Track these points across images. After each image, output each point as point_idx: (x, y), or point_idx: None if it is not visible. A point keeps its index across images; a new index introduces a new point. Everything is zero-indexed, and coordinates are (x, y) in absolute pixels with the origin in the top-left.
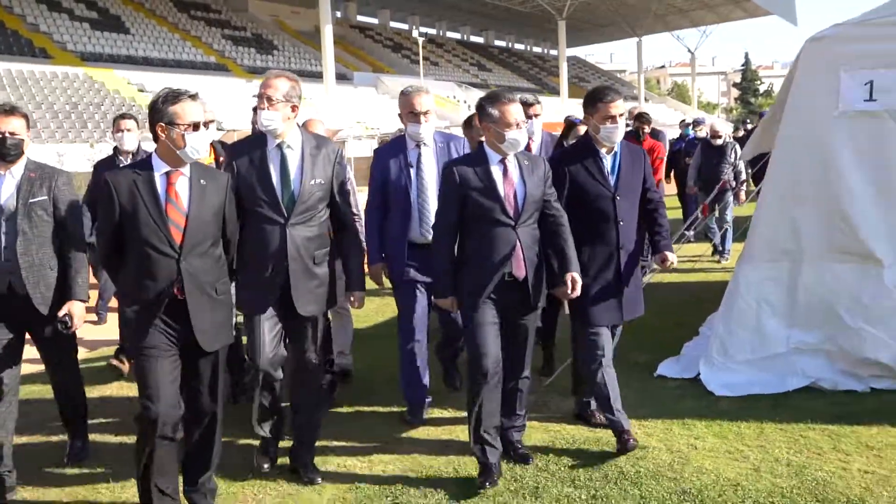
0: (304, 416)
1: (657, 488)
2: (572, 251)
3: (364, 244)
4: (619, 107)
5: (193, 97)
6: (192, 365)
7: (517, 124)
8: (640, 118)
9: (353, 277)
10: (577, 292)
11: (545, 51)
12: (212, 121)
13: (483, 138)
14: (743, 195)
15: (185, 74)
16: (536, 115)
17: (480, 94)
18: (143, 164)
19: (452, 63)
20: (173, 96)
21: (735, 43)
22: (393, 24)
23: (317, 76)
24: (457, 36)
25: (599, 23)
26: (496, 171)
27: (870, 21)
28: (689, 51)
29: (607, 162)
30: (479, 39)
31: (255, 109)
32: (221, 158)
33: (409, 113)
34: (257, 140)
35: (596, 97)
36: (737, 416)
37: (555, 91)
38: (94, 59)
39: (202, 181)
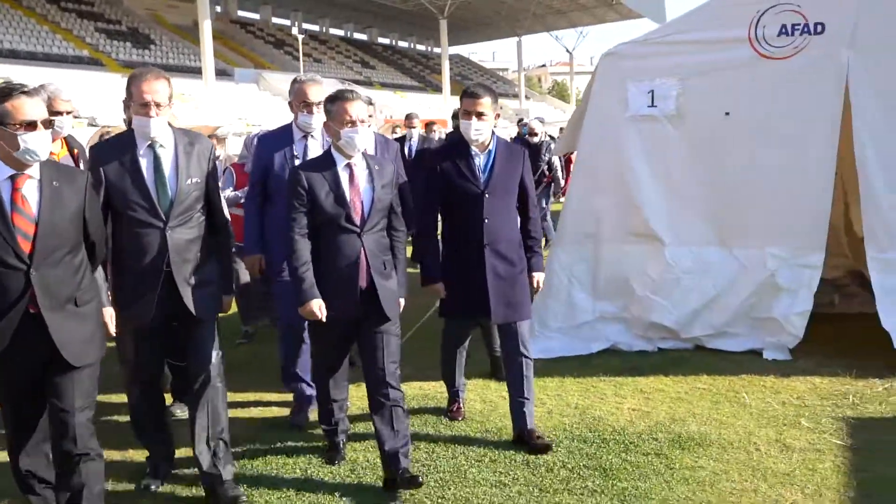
0: (203, 413)
1: (467, 429)
2: (402, 273)
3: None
4: (482, 104)
5: (29, 93)
6: (59, 381)
7: (355, 122)
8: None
9: (228, 280)
10: (399, 310)
11: (429, 49)
12: (68, 112)
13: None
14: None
15: (56, 68)
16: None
17: (363, 91)
18: None
19: (336, 60)
20: (5, 92)
21: (611, 43)
22: (275, 20)
23: (196, 72)
24: (340, 33)
25: (481, 22)
26: (343, 176)
27: (650, 40)
28: (568, 50)
29: (480, 160)
30: (363, 37)
31: (127, 105)
32: (76, 151)
33: (302, 102)
34: (124, 140)
35: (462, 95)
36: (544, 374)
37: (438, 89)
38: None
39: (55, 183)
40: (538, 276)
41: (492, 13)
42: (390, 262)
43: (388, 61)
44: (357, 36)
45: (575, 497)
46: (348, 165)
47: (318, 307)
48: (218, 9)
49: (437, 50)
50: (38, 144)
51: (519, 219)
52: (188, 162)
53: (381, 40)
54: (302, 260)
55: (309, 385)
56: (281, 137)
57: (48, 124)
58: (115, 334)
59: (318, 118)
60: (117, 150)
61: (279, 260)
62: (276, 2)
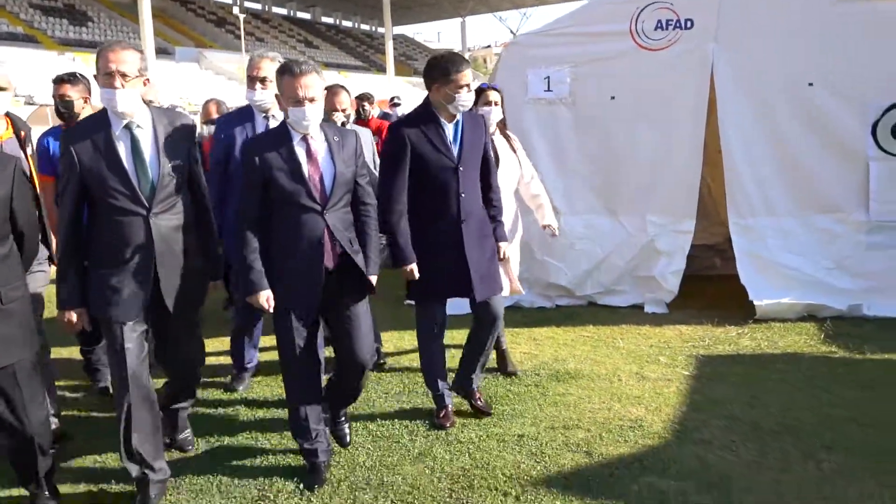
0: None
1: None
2: (374, 250)
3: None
4: (470, 76)
5: None
6: None
7: (302, 100)
8: (362, 98)
9: (216, 266)
10: (374, 290)
11: (373, 28)
12: (2, 89)
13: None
14: None
15: None
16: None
17: None
18: None
19: (279, 39)
20: None
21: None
22: None
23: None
24: (283, 11)
25: (425, 2)
26: (299, 151)
27: (546, 31)
28: (512, 32)
29: (449, 131)
30: (307, 16)
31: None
32: (24, 133)
33: (248, 77)
34: (98, 121)
35: (447, 67)
36: (458, 326)
37: (382, 69)
38: None
39: None
40: (504, 246)
41: None
42: (355, 239)
43: (332, 41)
44: (300, 15)
45: (461, 419)
46: (304, 139)
47: (266, 298)
48: None
49: (381, 30)
50: None
51: (510, 203)
52: (169, 143)
53: (325, 19)
54: (251, 247)
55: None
56: (240, 117)
57: None
58: (75, 331)
59: (266, 94)
60: (90, 131)
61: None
62: None
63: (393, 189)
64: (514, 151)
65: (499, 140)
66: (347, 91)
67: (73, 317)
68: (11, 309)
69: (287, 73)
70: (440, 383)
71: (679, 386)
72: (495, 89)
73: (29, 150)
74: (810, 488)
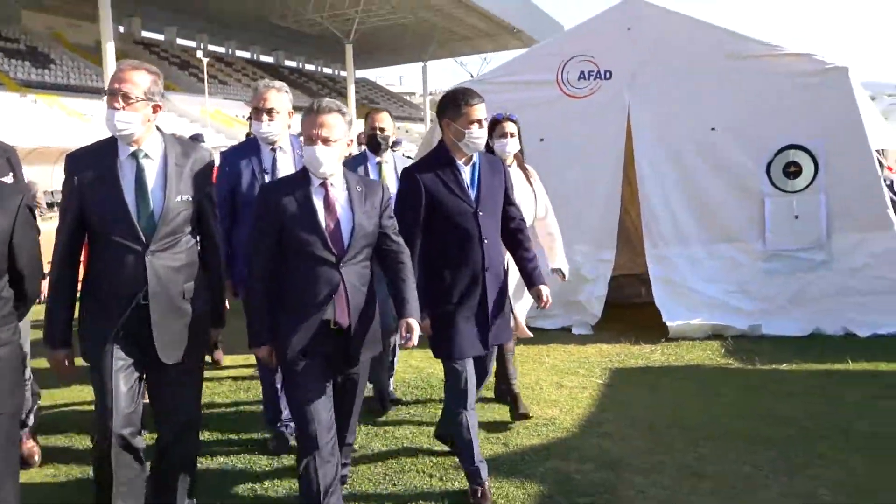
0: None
1: None
2: (411, 293)
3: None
4: (483, 110)
5: None
6: None
7: (314, 137)
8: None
9: (219, 313)
10: (413, 342)
11: (335, 72)
12: None
13: None
14: None
15: None
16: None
17: None
18: None
19: (241, 82)
20: None
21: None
22: (180, 41)
23: (98, 92)
24: (246, 55)
25: (386, 47)
26: (317, 198)
27: (485, 80)
28: (472, 76)
29: (466, 174)
30: (270, 59)
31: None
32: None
33: (253, 108)
34: (105, 148)
35: (458, 100)
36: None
37: None
38: None
39: None
40: (545, 290)
41: (397, 39)
42: (374, 296)
43: (295, 84)
44: (263, 58)
45: (405, 424)
46: (323, 185)
47: (269, 353)
48: (122, 29)
49: (343, 73)
50: None
51: (511, 235)
52: (179, 175)
53: (288, 63)
54: (257, 298)
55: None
56: (246, 150)
57: None
58: (63, 375)
59: (274, 126)
60: (96, 157)
61: (244, 287)
62: (181, 23)
63: (405, 237)
64: (531, 185)
65: (515, 173)
66: (390, 114)
67: (60, 357)
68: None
69: (306, 110)
70: (475, 451)
71: (592, 392)
72: (512, 120)
73: (7, 179)
74: (688, 467)
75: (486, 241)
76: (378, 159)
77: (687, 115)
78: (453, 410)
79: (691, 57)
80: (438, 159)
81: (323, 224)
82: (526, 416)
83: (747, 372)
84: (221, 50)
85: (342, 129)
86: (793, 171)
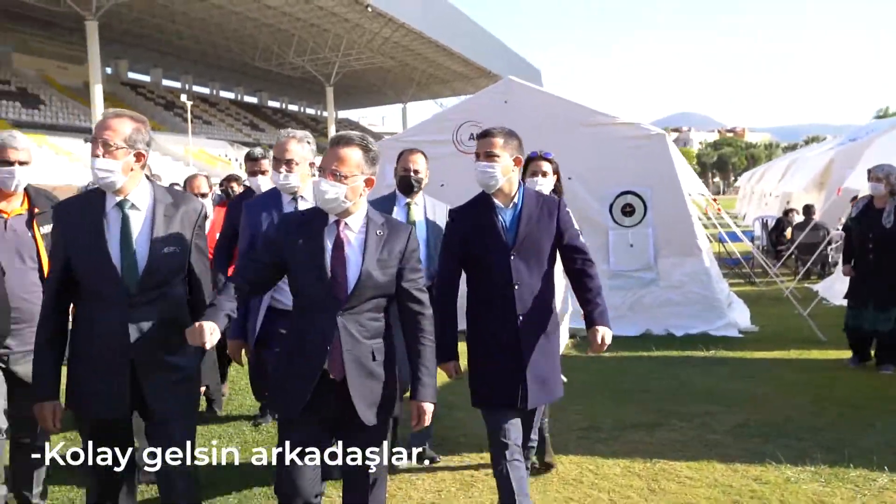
0: None
1: None
2: (427, 370)
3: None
4: (486, 143)
5: None
6: None
7: (324, 171)
8: (230, 179)
9: (206, 369)
10: (424, 423)
11: (318, 112)
12: (22, 163)
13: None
14: None
15: None
16: (264, 172)
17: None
18: None
19: (225, 122)
20: None
21: None
22: (165, 83)
23: (86, 132)
24: (230, 95)
25: (367, 89)
26: (326, 236)
27: (399, 139)
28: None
29: (506, 215)
30: (253, 100)
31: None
32: (37, 210)
33: (274, 159)
34: (93, 198)
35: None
36: None
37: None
38: None
39: None
40: (603, 331)
41: (377, 81)
42: (382, 351)
43: (278, 124)
44: (247, 99)
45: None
46: (337, 223)
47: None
48: (109, 70)
49: (325, 114)
50: None
51: (559, 280)
52: (167, 227)
53: (272, 103)
54: (230, 293)
55: None
56: (266, 202)
57: None
58: (52, 432)
59: (293, 178)
60: (82, 208)
61: (271, 333)
62: (166, 65)
63: (440, 280)
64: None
65: None
66: (424, 154)
67: (46, 410)
68: None
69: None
70: None
71: None
72: (546, 159)
73: (46, 228)
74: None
75: (517, 287)
76: (407, 200)
77: None
78: (494, 459)
79: (553, 123)
80: (478, 200)
81: (328, 267)
82: (551, 467)
83: (592, 360)
84: (206, 91)
85: (355, 166)
86: (628, 210)
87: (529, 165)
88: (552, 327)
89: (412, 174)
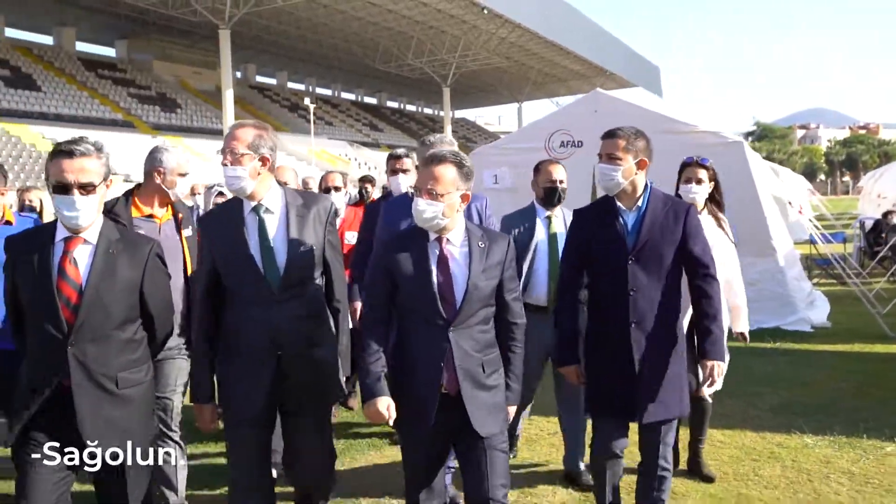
0: None
1: None
2: (514, 378)
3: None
4: (614, 144)
5: (71, 153)
6: (100, 479)
7: (418, 189)
8: (365, 179)
9: (344, 360)
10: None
11: (435, 112)
12: (182, 174)
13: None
14: None
15: (95, 130)
16: (405, 171)
17: (371, 152)
18: (46, 228)
19: (346, 123)
20: (53, 152)
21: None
22: (290, 85)
23: (218, 133)
24: (351, 97)
25: (484, 89)
26: (431, 252)
27: (496, 147)
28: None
29: (628, 219)
30: (373, 100)
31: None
32: (181, 216)
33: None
34: (231, 206)
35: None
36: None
37: None
38: (9, 115)
39: (111, 250)
40: (712, 364)
41: (493, 81)
42: (494, 362)
43: (396, 124)
44: (367, 100)
45: None
46: (438, 240)
47: (387, 407)
48: (238, 75)
49: (443, 113)
50: (68, 208)
51: (685, 292)
52: (301, 226)
53: (390, 104)
54: (372, 349)
55: None
56: (405, 203)
57: (87, 189)
58: (208, 430)
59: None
60: (224, 216)
61: None
62: (292, 68)
63: (560, 279)
64: (725, 233)
65: (705, 220)
66: (563, 165)
67: (206, 412)
68: (129, 395)
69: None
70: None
71: None
72: (703, 165)
73: (188, 232)
74: None
75: (632, 293)
76: (548, 213)
77: None
78: (594, 470)
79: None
80: (602, 202)
81: (434, 283)
82: (711, 480)
83: None
84: (328, 92)
85: (451, 181)
86: None
87: (684, 171)
88: (673, 338)
89: (557, 184)
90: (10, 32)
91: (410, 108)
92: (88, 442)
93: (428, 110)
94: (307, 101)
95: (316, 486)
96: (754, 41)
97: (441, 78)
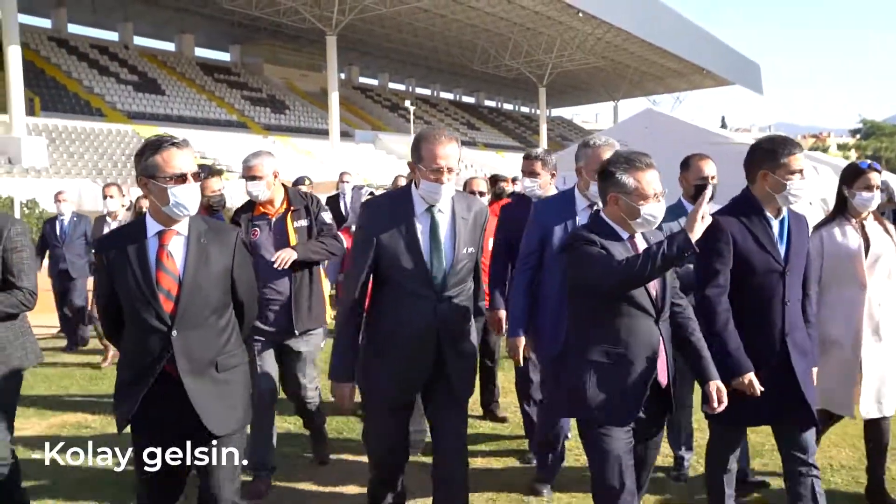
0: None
1: None
2: (707, 352)
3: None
4: (802, 160)
5: (178, 144)
6: (203, 456)
7: (655, 196)
8: (496, 179)
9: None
10: (724, 404)
11: (532, 111)
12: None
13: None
14: None
15: (212, 131)
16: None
17: (469, 150)
18: (135, 225)
19: (444, 122)
20: (155, 145)
21: (713, 106)
22: (391, 86)
23: (323, 133)
24: (450, 96)
25: (578, 88)
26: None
27: (560, 155)
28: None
29: (775, 227)
30: (471, 100)
31: (412, 167)
32: (294, 208)
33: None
34: (399, 201)
35: (773, 149)
36: None
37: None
38: (139, 117)
39: (203, 240)
40: (816, 371)
41: (589, 80)
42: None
43: (493, 123)
44: (465, 99)
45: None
46: (630, 239)
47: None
48: (342, 76)
49: (538, 112)
50: (188, 198)
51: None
52: (465, 229)
53: (488, 103)
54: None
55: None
56: (559, 203)
57: (199, 178)
58: (346, 407)
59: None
60: (392, 209)
61: (549, 337)
62: (393, 69)
63: (715, 289)
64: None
65: (871, 226)
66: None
67: (344, 391)
68: (229, 378)
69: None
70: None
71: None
72: (877, 170)
73: (298, 223)
74: None
75: (788, 304)
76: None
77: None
78: (712, 474)
79: (686, 143)
80: (746, 209)
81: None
82: None
83: None
84: (427, 92)
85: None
86: None
87: (860, 178)
88: (810, 347)
89: (710, 179)
90: (138, 41)
91: (507, 106)
92: (215, 432)
93: (524, 109)
94: (407, 101)
95: (448, 477)
96: (861, 35)
97: (537, 78)
